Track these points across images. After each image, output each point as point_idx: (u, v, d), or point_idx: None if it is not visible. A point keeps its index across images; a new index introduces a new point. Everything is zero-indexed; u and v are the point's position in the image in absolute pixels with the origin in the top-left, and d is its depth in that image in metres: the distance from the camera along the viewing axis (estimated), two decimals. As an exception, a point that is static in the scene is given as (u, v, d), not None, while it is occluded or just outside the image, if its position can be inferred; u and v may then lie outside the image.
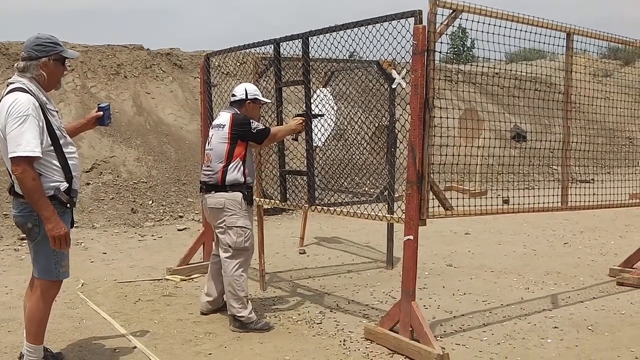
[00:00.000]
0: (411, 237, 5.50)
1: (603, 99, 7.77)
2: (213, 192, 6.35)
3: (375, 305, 7.12)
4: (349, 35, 6.26)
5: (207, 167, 6.44)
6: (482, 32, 5.99)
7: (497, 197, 6.82)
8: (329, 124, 7.98)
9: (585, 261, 9.43)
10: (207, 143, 6.65)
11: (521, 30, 6.25)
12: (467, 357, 5.54)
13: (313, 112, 6.82)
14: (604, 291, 7.79)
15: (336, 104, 8.54)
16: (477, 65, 6.91)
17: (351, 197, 8.23)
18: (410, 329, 5.59)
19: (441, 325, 6.44)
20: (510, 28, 6.15)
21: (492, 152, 9.65)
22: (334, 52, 6.51)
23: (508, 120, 6.47)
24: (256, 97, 6.57)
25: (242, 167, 6.31)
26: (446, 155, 6.05)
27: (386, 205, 6.91)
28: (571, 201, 6.95)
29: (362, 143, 8.30)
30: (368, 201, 7.34)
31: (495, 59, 6.28)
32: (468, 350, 5.74)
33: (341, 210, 6.67)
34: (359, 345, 5.84)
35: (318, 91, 8.38)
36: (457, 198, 6.02)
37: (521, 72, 7.82)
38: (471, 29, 5.89)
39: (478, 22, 5.87)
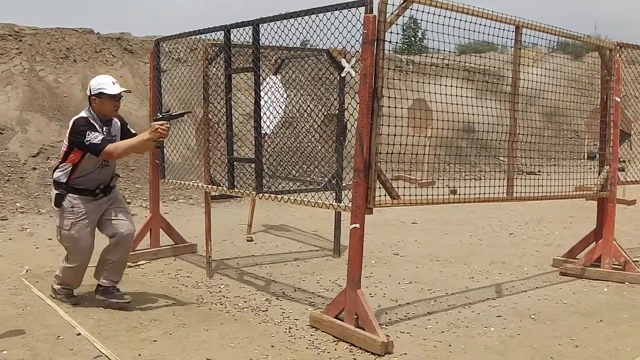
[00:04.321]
0: (357, 225, 5.52)
1: (552, 93, 7.86)
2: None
3: (321, 293, 7.15)
4: (299, 24, 6.24)
5: None
6: (433, 23, 6.03)
7: (444, 187, 6.88)
8: (278, 112, 7.98)
9: (529, 251, 9.59)
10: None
11: (472, 23, 6.31)
12: (411, 345, 5.59)
13: (170, 112, 6.43)
14: (547, 281, 7.93)
15: (286, 92, 8.54)
16: (426, 56, 6.95)
17: (300, 185, 8.24)
18: (355, 316, 5.62)
19: (386, 313, 6.49)
20: (461, 20, 6.19)
21: (441, 142, 9.74)
22: (285, 40, 6.47)
23: (459, 111, 6.54)
24: (100, 91, 6.21)
25: (69, 170, 6.26)
26: (394, 144, 6.07)
27: (334, 194, 6.93)
28: (516, 192, 7.04)
29: (312, 131, 8.31)
30: (316, 189, 7.36)
31: (446, 50, 6.32)
32: (412, 338, 5.79)
33: (288, 198, 6.66)
34: (304, 332, 5.85)
35: (268, 79, 8.36)
36: (405, 187, 6.08)
37: (471, 64, 7.90)
38: (421, 20, 5.92)
39: (429, 12, 5.90)
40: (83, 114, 6.29)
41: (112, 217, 6.50)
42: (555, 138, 8.78)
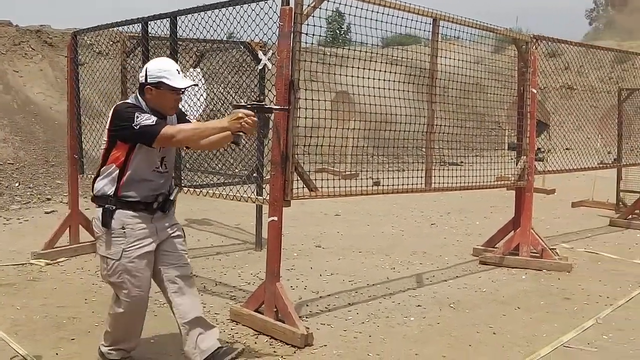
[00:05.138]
0: (275, 218, 5.52)
1: (474, 85, 7.98)
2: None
3: (242, 287, 7.12)
4: (216, 16, 6.20)
5: None
6: (356, 16, 6.06)
7: (367, 179, 6.92)
8: (198, 105, 7.90)
9: (450, 241, 9.73)
10: None
11: (393, 16, 6.36)
12: (332, 337, 5.61)
13: (263, 103, 5.02)
14: (467, 270, 8.07)
15: (207, 85, 8.46)
16: (348, 49, 6.96)
17: (221, 178, 8.18)
18: (275, 309, 5.62)
19: (307, 305, 6.50)
20: (381, 13, 6.23)
21: (363, 134, 9.80)
22: (203, 32, 6.42)
23: (384, 103, 6.62)
24: (161, 80, 4.62)
25: (115, 175, 4.63)
26: (317, 137, 6.09)
27: (256, 187, 6.91)
28: (434, 183, 7.12)
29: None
30: (237, 183, 7.32)
31: (369, 44, 6.35)
32: (333, 329, 5.82)
33: (207, 192, 6.61)
34: (224, 327, 5.82)
35: (189, 72, 8.28)
36: (327, 180, 6.11)
37: (395, 57, 7.95)
38: (345, 13, 5.95)
39: (346, 5, 5.91)
40: (127, 100, 4.87)
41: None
42: (477, 129, 8.89)
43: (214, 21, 6.26)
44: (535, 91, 8.24)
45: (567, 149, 10.71)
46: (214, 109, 8.12)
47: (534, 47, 8.32)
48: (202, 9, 6.28)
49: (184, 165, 6.92)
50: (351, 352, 5.30)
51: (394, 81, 6.69)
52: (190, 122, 5.09)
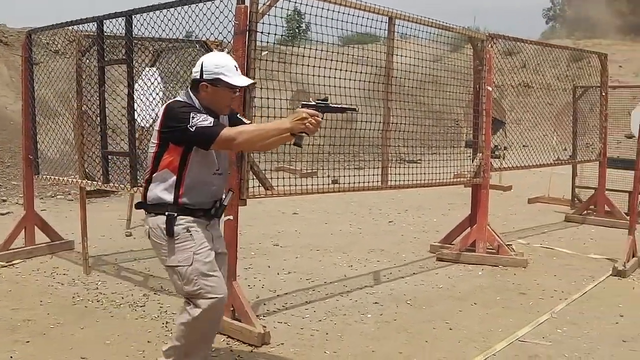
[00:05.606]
0: (231, 217, 5.51)
1: (432, 83, 8.03)
2: (144, 211, 4.48)
3: (201, 287, 7.09)
4: (172, 14, 6.17)
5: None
6: (315, 16, 6.08)
7: (326, 177, 6.94)
8: (156, 104, 7.85)
9: (408, 238, 9.80)
10: None
11: (350, 15, 6.39)
12: (289, 335, 5.62)
13: (328, 102, 4.48)
14: (424, 267, 8.13)
15: (164, 84, 8.41)
16: (305, 48, 6.96)
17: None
18: (232, 308, 5.61)
19: (264, 304, 6.50)
20: (340, 12, 6.26)
21: (320, 132, 9.81)
22: (162, 31, 6.37)
23: (340, 102, 6.65)
24: (218, 77, 4.32)
25: (173, 181, 4.29)
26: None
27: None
28: (390, 180, 7.16)
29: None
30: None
31: (327, 42, 6.37)
32: (290, 328, 5.83)
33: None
34: (182, 327, 5.80)
35: (145, 70, 8.22)
36: (285, 178, 6.13)
37: (353, 55, 7.98)
38: (304, 13, 5.97)
39: (301, 4, 5.93)
40: (179, 98, 4.48)
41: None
42: (435, 127, 8.95)
43: (169, 20, 6.23)
44: (490, 89, 8.32)
45: (524, 146, 10.85)
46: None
47: (490, 45, 8.41)
48: (157, 8, 6.25)
49: (140, 165, 6.85)
50: (308, 349, 5.31)
51: (352, 80, 6.72)
52: (242, 120, 4.69)
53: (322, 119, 4.29)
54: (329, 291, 6.98)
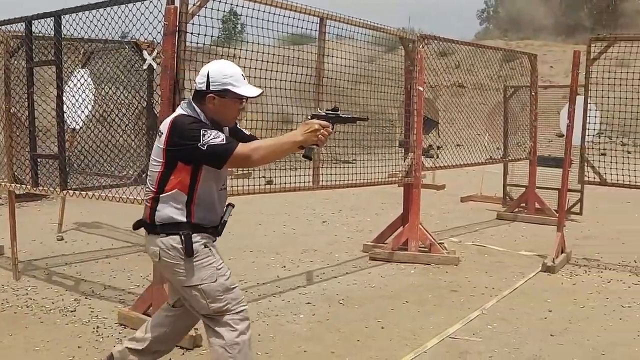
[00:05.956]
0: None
1: (366, 84, 8.09)
2: (146, 232, 4.17)
3: (132, 290, 7.02)
4: (101, 15, 6.10)
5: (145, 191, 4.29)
6: (248, 17, 6.09)
7: (260, 178, 6.93)
8: (86, 106, 7.75)
9: (341, 238, 9.85)
10: None
11: (284, 16, 6.42)
12: (221, 337, 5.60)
13: (342, 113, 4.33)
14: (357, 266, 8.19)
15: (95, 85, 8.31)
16: (234, 49, 6.96)
17: (110, 180, 8.04)
18: (164, 312, 5.56)
19: (196, 307, 6.45)
20: (275, 14, 6.29)
21: (255, 134, 9.82)
22: (91, 32, 6.29)
23: (275, 103, 6.69)
24: (227, 88, 4.03)
25: (184, 201, 4.01)
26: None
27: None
28: (323, 180, 7.20)
29: (122, 125, 8.13)
30: (127, 184, 7.22)
31: (261, 44, 6.36)
32: (221, 330, 5.80)
33: (93, 194, 6.49)
34: (112, 330, 5.75)
35: (76, 72, 8.12)
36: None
37: (289, 56, 7.99)
38: (240, 14, 5.97)
39: (232, 4, 5.94)
40: (182, 111, 4.11)
41: None
42: (370, 127, 9.01)
43: (98, 20, 6.15)
44: (422, 89, 8.42)
45: (458, 145, 10.97)
46: (106, 109, 7.98)
47: (421, 45, 8.50)
48: (87, 8, 6.16)
49: (69, 167, 6.76)
50: (241, 351, 5.30)
51: (287, 81, 6.74)
52: (242, 130, 4.44)
53: (332, 130, 4.15)
54: (261, 292, 6.98)
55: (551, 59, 34.07)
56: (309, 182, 7.03)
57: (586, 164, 8.77)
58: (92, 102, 8.10)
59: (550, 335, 5.86)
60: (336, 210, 12.40)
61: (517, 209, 12.47)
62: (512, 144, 12.71)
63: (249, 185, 6.37)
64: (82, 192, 6.64)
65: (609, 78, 8.76)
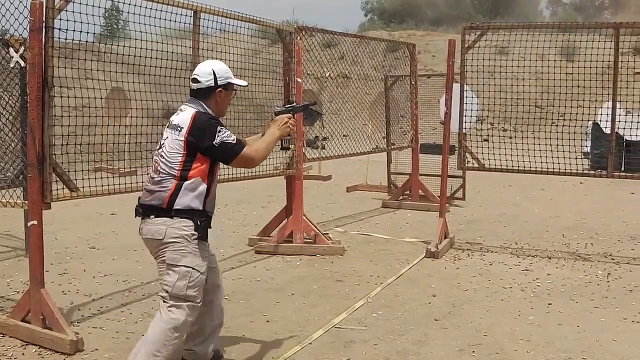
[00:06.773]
0: (35, 222, 5.30)
1: (251, 78, 8.04)
2: (152, 216, 4.46)
3: (11, 296, 6.75)
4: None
5: (152, 181, 4.50)
6: (130, 13, 6.01)
7: (145, 175, 6.80)
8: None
9: (227, 233, 9.78)
10: (157, 147, 4.62)
11: (160, 10, 6.34)
12: (103, 340, 5.50)
13: (294, 104, 5.18)
14: (242, 260, 8.17)
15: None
16: (120, 46, 6.84)
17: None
18: (42, 317, 5.40)
19: (79, 309, 6.30)
20: (151, 8, 6.21)
21: (141, 130, 9.62)
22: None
23: (159, 99, 6.60)
24: (229, 80, 4.56)
25: (203, 190, 4.39)
26: (88, 135, 5.92)
27: (22, 191, 6.61)
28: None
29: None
30: (3, 187, 6.98)
31: (143, 40, 6.27)
32: (105, 332, 5.70)
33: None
34: (-11, 340, 5.53)
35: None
36: (102, 178, 6.07)
37: (172, 52, 7.87)
38: (122, 10, 5.84)
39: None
40: (196, 108, 4.48)
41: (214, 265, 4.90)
42: (256, 120, 8.99)
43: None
44: (300, 80, 8.42)
45: (344, 135, 11.08)
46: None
47: (298, 37, 8.51)
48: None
49: None
50: (123, 353, 5.16)
51: (172, 77, 6.67)
52: None
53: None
54: (145, 291, 6.86)
55: (433, 49, 34.74)
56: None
57: (464, 150, 8.99)
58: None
59: (434, 320, 6.00)
60: (222, 205, 12.25)
61: (401, 197, 12.68)
62: (398, 133, 12.92)
63: (130, 184, 6.24)
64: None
65: (488, 66, 9.00)
